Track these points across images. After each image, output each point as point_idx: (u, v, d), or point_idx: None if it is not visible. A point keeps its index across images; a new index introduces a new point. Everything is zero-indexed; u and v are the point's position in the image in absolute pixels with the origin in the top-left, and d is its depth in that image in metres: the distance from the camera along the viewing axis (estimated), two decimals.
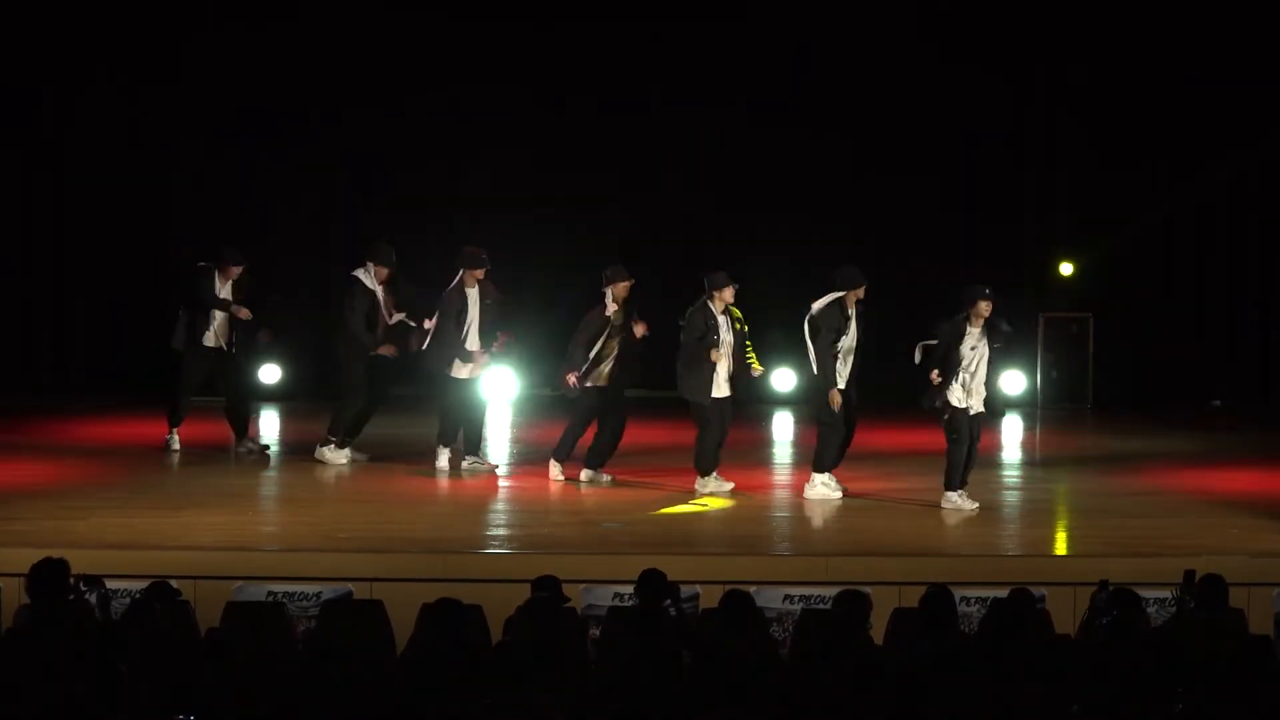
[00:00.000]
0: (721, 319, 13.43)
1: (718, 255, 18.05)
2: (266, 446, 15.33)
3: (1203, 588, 9.11)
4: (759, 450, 14.72)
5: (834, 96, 19.79)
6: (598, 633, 9.87)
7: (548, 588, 9.06)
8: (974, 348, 12.82)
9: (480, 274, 14.15)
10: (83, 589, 8.82)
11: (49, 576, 8.71)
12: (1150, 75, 19.78)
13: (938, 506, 13.26)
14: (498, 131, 19.84)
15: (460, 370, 14.20)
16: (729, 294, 13.45)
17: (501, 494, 13.86)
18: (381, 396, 14.74)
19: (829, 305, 13.08)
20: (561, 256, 19.41)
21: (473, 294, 14.13)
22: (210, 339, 15.05)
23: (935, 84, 19.66)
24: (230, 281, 14.96)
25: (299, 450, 15.09)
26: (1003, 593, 9.23)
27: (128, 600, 9.99)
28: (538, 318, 18.53)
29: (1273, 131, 19.52)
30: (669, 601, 9.02)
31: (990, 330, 12.84)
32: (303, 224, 19.81)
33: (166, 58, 19.86)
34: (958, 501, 13.06)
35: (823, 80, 19.78)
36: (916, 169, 19.73)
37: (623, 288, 13.79)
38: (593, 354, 13.77)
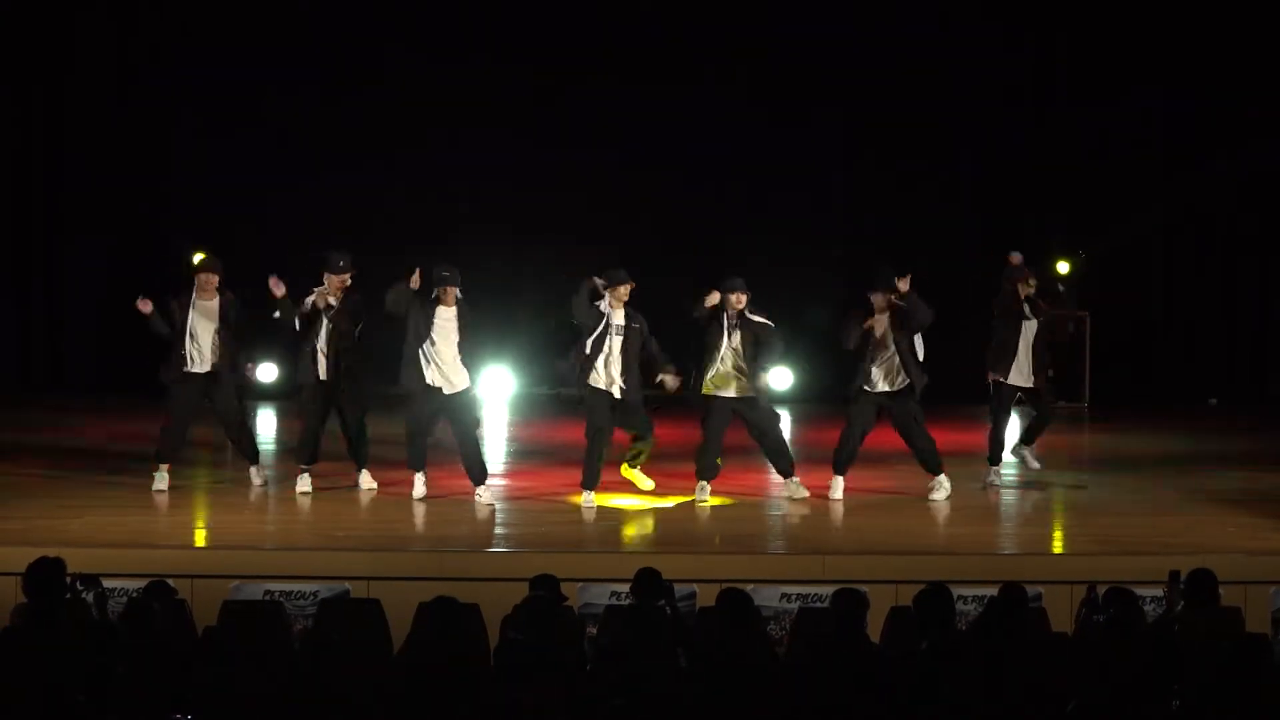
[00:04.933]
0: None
1: (715, 256, 18.15)
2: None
3: (1190, 585, 9.12)
4: (756, 450, 14.67)
5: (825, 95, 19.84)
6: (594, 631, 9.86)
7: (545, 586, 9.05)
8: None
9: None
10: (79, 588, 8.81)
11: (45, 575, 8.70)
12: (1149, 72, 19.82)
13: (936, 505, 13.38)
14: (494, 128, 19.86)
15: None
16: (731, 299, 13.28)
17: (498, 493, 13.83)
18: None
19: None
20: (556, 258, 19.42)
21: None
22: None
23: (933, 76, 19.69)
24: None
25: (293, 452, 15.01)
26: (998, 591, 9.22)
27: (124, 599, 9.99)
28: (533, 319, 18.56)
29: (1270, 131, 19.57)
30: (663, 600, 9.01)
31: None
32: (297, 221, 19.78)
33: (162, 52, 19.93)
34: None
35: (812, 74, 19.82)
36: (915, 167, 19.76)
37: (620, 290, 13.26)
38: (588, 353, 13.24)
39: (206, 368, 13.64)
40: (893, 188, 19.80)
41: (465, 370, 13.25)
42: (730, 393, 13.33)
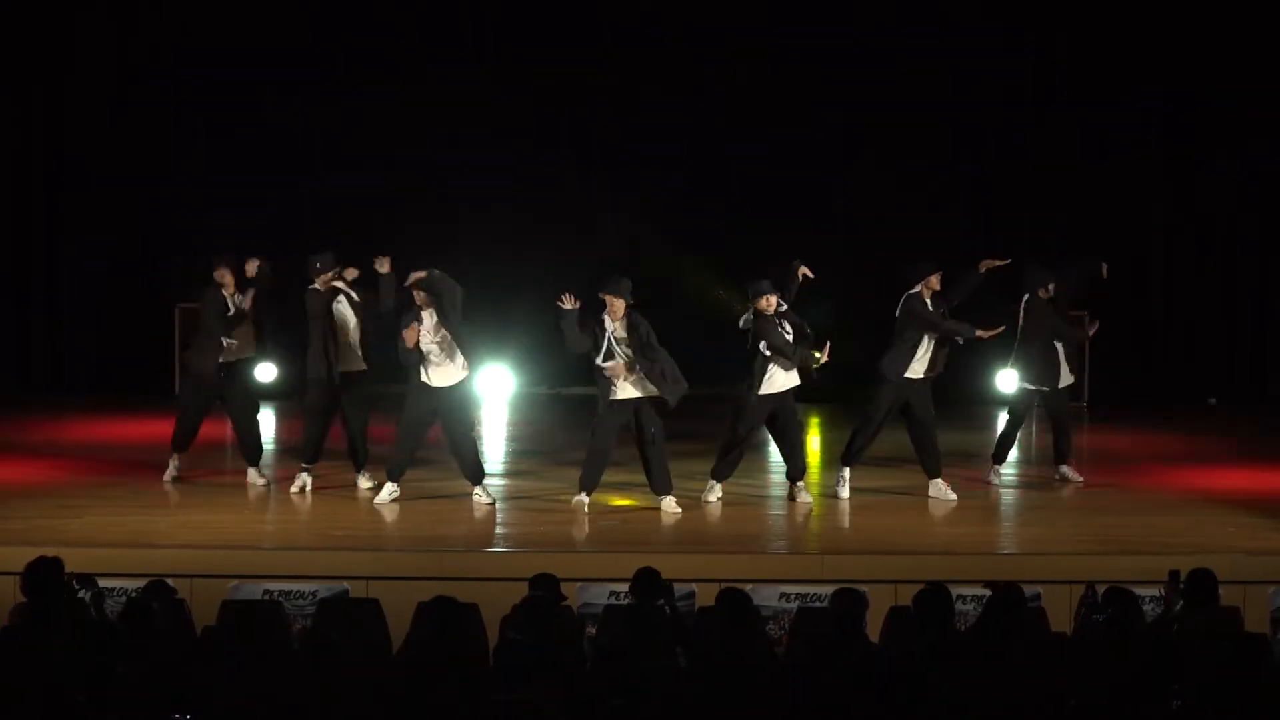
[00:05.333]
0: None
1: (716, 255, 18.16)
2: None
3: (1189, 584, 9.12)
4: (756, 449, 14.68)
5: (825, 92, 19.85)
6: (594, 631, 9.87)
7: (544, 586, 9.05)
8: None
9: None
10: (75, 587, 8.80)
11: (43, 575, 8.70)
12: (1149, 72, 19.82)
13: (936, 505, 13.40)
14: (494, 128, 19.85)
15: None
16: (761, 303, 13.16)
17: (498, 493, 13.83)
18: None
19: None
20: (557, 255, 19.40)
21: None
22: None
23: (933, 76, 19.67)
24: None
25: (293, 450, 15.00)
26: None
27: (123, 599, 9.99)
28: (533, 317, 18.51)
29: (1271, 132, 19.56)
30: (662, 600, 9.02)
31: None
32: (297, 221, 19.74)
33: (162, 52, 19.94)
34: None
35: (811, 74, 19.81)
36: (916, 167, 19.75)
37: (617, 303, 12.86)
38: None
39: (232, 358, 13.85)
40: (893, 188, 19.80)
41: (454, 366, 13.14)
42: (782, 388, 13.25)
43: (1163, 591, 9.22)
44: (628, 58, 19.82)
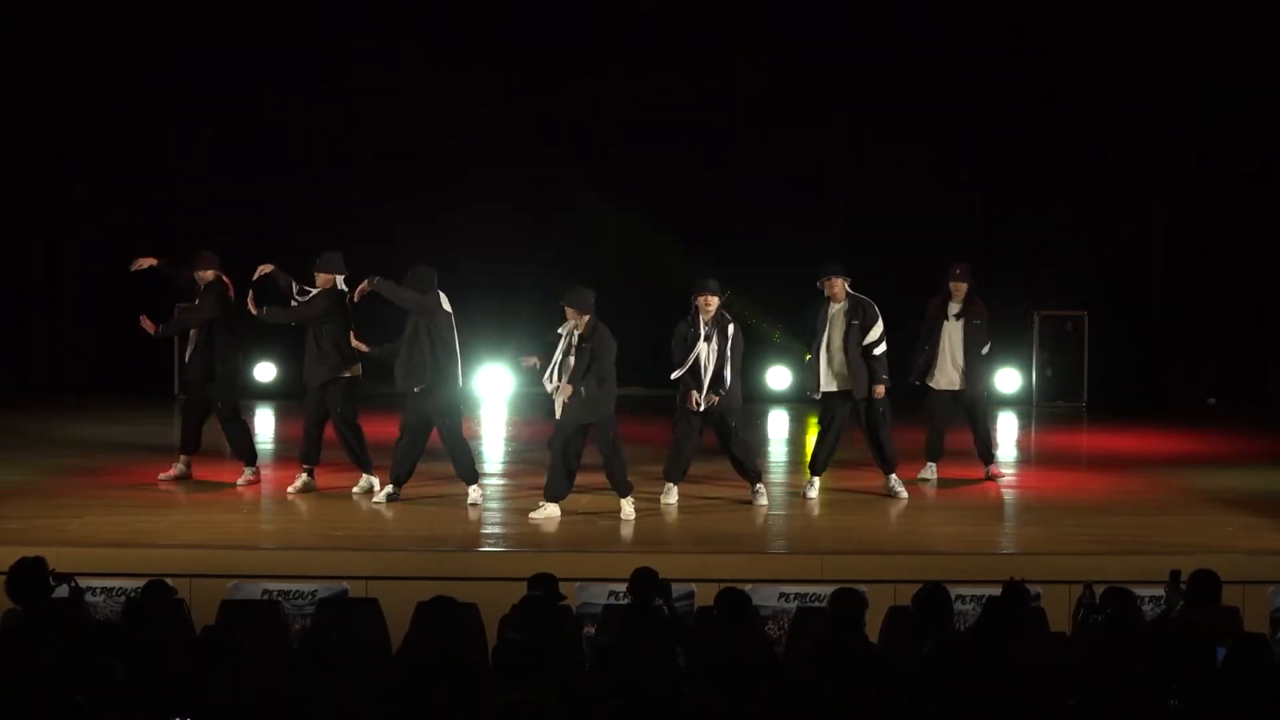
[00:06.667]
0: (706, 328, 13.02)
1: (715, 256, 18.14)
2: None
3: (1191, 585, 9.13)
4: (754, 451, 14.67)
5: (825, 92, 19.85)
6: (593, 631, 9.87)
7: (543, 586, 9.05)
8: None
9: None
10: (52, 584, 8.77)
11: (26, 576, 8.67)
12: (1149, 72, 19.82)
13: (935, 505, 13.38)
14: (494, 128, 19.86)
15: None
16: (701, 301, 13.05)
17: (496, 492, 13.82)
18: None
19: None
20: (555, 258, 19.40)
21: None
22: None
23: (934, 75, 19.68)
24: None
25: (292, 450, 14.98)
26: (997, 590, 9.23)
27: (123, 599, 10.00)
28: (533, 317, 18.50)
29: (1270, 130, 19.57)
30: (660, 600, 9.02)
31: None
32: (297, 221, 19.73)
33: (162, 52, 19.95)
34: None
35: (816, 70, 19.82)
36: (916, 167, 19.75)
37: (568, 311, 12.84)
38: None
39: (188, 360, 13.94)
40: (893, 188, 19.80)
41: (415, 372, 13.02)
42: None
43: (1164, 592, 9.22)
44: (628, 58, 19.83)
